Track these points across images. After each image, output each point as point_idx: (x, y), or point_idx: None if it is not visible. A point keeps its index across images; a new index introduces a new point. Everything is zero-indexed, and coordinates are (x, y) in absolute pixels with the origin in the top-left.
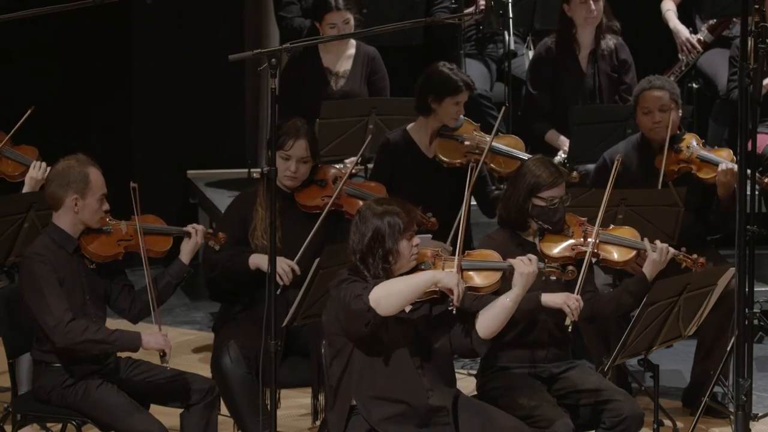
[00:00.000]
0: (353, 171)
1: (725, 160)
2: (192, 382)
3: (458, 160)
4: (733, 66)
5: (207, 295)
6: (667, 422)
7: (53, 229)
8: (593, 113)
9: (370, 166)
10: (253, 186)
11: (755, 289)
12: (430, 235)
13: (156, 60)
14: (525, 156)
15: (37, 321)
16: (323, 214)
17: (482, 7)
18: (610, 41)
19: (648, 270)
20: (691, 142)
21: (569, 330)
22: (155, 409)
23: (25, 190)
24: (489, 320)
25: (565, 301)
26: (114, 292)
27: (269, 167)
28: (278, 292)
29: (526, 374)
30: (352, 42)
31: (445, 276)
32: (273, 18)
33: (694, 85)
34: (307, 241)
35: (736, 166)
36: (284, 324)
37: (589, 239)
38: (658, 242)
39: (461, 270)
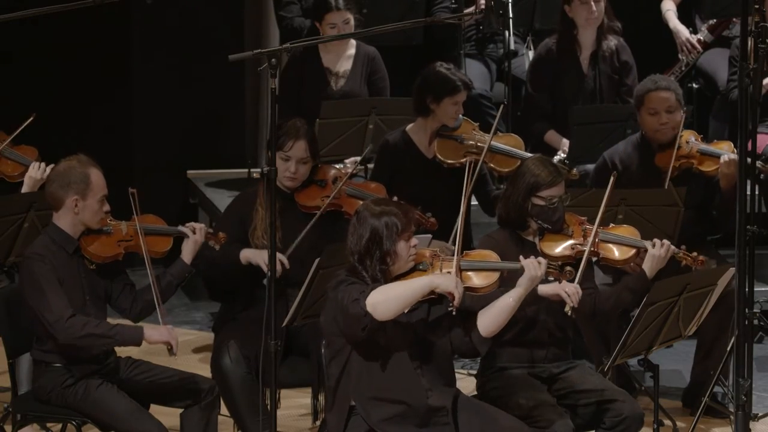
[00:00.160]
0: (354, 171)
1: (726, 151)
2: (192, 382)
3: (458, 160)
4: (733, 66)
5: (207, 295)
6: (667, 422)
7: (53, 229)
8: (593, 113)
9: (371, 166)
10: (253, 186)
11: (755, 289)
12: (430, 235)
13: (156, 60)
14: (525, 155)
15: (37, 320)
16: (319, 213)
17: (482, 7)
18: (611, 42)
19: (648, 266)
20: (690, 137)
21: (570, 315)
22: (155, 409)
23: (24, 190)
24: (490, 319)
25: (562, 287)
26: (115, 292)
27: (269, 167)
28: (264, 282)
29: (526, 374)
30: (352, 42)
31: (443, 280)
32: (273, 18)
33: (694, 85)
34: (300, 236)
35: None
36: (284, 324)
37: (589, 238)
38: (657, 239)
39: (460, 270)
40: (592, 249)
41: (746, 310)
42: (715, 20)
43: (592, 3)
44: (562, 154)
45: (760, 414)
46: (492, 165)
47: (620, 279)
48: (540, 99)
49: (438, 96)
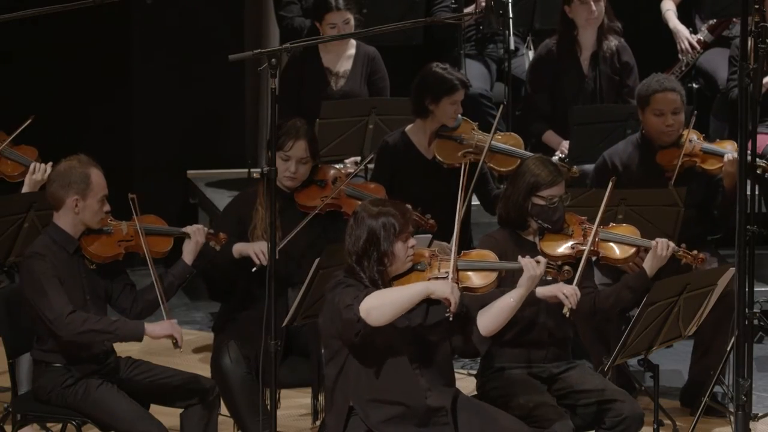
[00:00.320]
0: (355, 172)
1: (730, 150)
2: (192, 382)
3: (458, 161)
4: (733, 66)
5: (207, 295)
6: (667, 422)
7: (54, 229)
8: (593, 113)
9: (371, 166)
10: (253, 186)
11: (755, 289)
12: (430, 235)
13: (156, 60)
14: (525, 154)
15: (37, 319)
16: (313, 213)
17: (482, 7)
18: (612, 43)
19: (648, 265)
20: (692, 136)
21: (568, 317)
22: (155, 409)
23: (25, 190)
24: (490, 319)
25: (560, 289)
26: (115, 292)
27: (269, 167)
28: (253, 270)
29: (526, 374)
30: (352, 42)
31: (438, 286)
32: (273, 18)
33: (694, 85)
34: (293, 231)
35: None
36: (284, 324)
37: (589, 237)
38: (658, 238)
39: (457, 271)
40: (592, 248)
41: (746, 310)
42: (715, 20)
43: (592, 3)
44: (560, 155)
45: (760, 414)
46: (492, 164)
47: (619, 280)
48: (539, 99)
49: (436, 96)
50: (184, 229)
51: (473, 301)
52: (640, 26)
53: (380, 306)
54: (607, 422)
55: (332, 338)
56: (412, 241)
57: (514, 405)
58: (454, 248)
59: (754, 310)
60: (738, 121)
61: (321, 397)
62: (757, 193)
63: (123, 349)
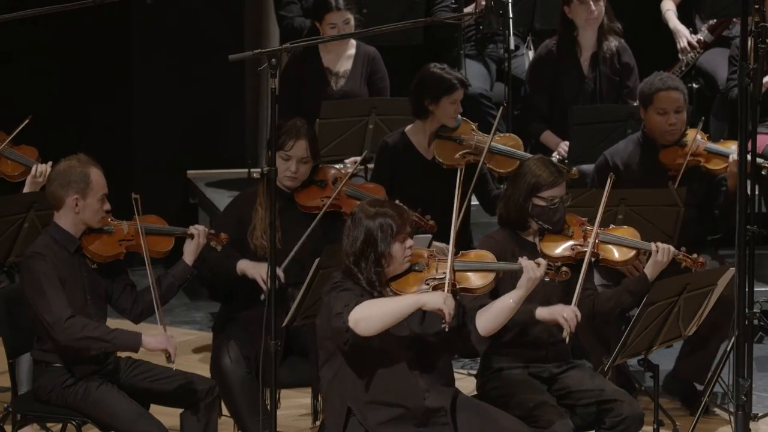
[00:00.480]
0: (354, 172)
1: (735, 150)
2: (192, 383)
3: (457, 161)
4: (733, 65)
5: (207, 295)
6: (667, 422)
7: (54, 228)
8: (593, 113)
9: (371, 166)
10: (253, 186)
11: (755, 289)
12: (430, 236)
13: (156, 60)
14: (524, 155)
15: (37, 320)
16: (319, 216)
17: (482, 7)
18: (612, 43)
19: (649, 270)
20: (695, 136)
21: (567, 342)
22: (155, 409)
23: (26, 190)
24: (489, 319)
25: (560, 313)
26: (116, 292)
27: (269, 167)
28: (262, 298)
29: (526, 374)
30: (353, 42)
31: (430, 298)
32: (273, 18)
33: (694, 85)
34: (298, 244)
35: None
36: (284, 324)
37: (589, 239)
38: (659, 243)
39: (454, 272)
40: (593, 250)
41: (746, 310)
42: (715, 20)
43: (591, 3)
44: (557, 156)
45: (760, 414)
46: (491, 165)
47: (618, 281)
48: (538, 100)
49: (435, 96)
50: (185, 229)
51: (471, 300)
52: (640, 26)
53: (369, 317)
54: (607, 422)
55: (328, 340)
56: (409, 242)
57: (514, 405)
58: (451, 250)
59: (754, 310)
60: (738, 121)
61: (321, 397)
62: (757, 193)
63: None
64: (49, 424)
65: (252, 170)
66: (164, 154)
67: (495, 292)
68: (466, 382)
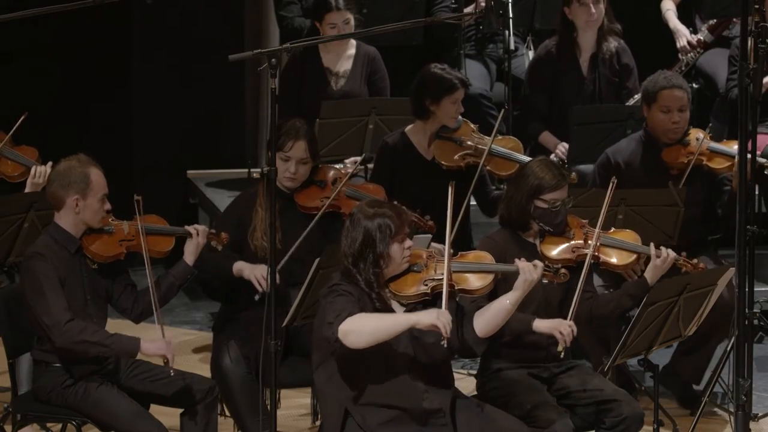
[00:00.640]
0: (354, 172)
1: None
2: (192, 383)
3: (457, 163)
4: (733, 65)
5: (207, 295)
6: (667, 422)
7: (55, 228)
8: (593, 113)
9: (371, 166)
10: (253, 186)
11: (755, 289)
12: (430, 236)
13: (156, 60)
14: (523, 159)
15: (36, 321)
16: (317, 216)
17: (482, 7)
18: (611, 44)
19: (650, 275)
20: (698, 134)
21: (561, 357)
22: (155, 409)
23: (27, 191)
24: (487, 320)
25: (557, 327)
26: (116, 292)
27: (269, 167)
28: (256, 298)
29: (525, 374)
30: (353, 42)
31: (422, 316)
32: (273, 18)
33: (694, 85)
34: (295, 244)
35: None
36: (284, 324)
37: (590, 242)
38: (662, 248)
39: (451, 273)
40: (594, 253)
41: (746, 310)
42: (715, 20)
43: (591, 5)
44: (556, 158)
45: (760, 414)
46: (490, 168)
47: (617, 283)
48: (537, 100)
49: (436, 97)
50: (185, 229)
51: (470, 302)
52: (640, 26)
53: (358, 331)
54: (607, 422)
55: (322, 341)
56: (408, 243)
57: (514, 405)
58: (447, 252)
59: (754, 310)
60: (738, 121)
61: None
62: (757, 192)
63: None
64: (49, 424)
65: (252, 170)
66: (164, 154)
67: (493, 293)
68: (466, 382)
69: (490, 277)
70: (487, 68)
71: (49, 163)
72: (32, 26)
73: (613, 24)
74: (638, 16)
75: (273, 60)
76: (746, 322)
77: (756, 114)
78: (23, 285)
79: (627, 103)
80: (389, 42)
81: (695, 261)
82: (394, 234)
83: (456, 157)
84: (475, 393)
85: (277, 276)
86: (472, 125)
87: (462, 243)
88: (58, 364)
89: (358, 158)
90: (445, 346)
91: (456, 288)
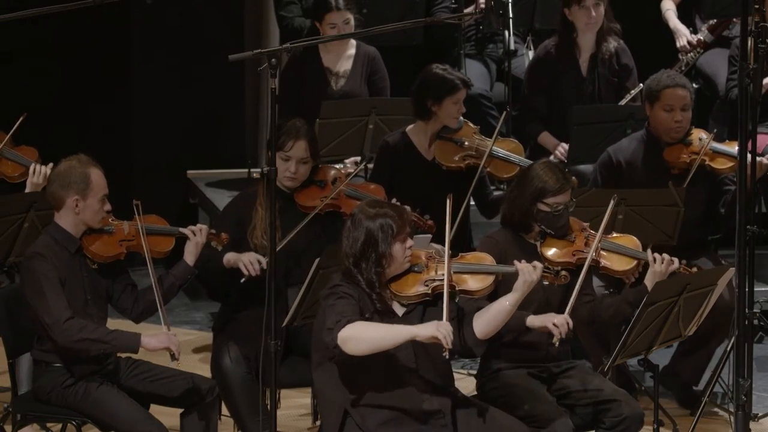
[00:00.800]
0: (354, 172)
1: None
2: (192, 383)
3: (457, 164)
4: (732, 66)
5: (207, 295)
6: (667, 422)
7: (55, 228)
8: (593, 113)
9: (371, 166)
10: (253, 186)
11: (755, 289)
12: (430, 235)
13: (156, 60)
14: (524, 161)
15: (37, 319)
16: (313, 213)
17: (482, 7)
18: (611, 45)
19: (650, 282)
20: (700, 134)
21: (556, 345)
22: (155, 409)
23: (27, 191)
24: (486, 321)
25: (550, 320)
26: (116, 292)
27: (269, 167)
28: (242, 281)
29: (525, 374)
30: (353, 42)
31: (422, 330)
32: (273, 18)
33: (694, 85)
34: (292, 233)
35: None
36: (284, 324)
37: (591, 244)
38: (665, 255)
39: (452, 275)
40: (594, 258)
41: (746, 310)
42: (715, 20)
43: (592, 8)
44: (555, 159)
45: (760, 414)
46: (490, 170)
47: (616, 286)
48: (536, 101)
49: (438, 97)
50: (185, 229)
51: (467, 303)
52: (640, 26)
53: (358, 339)
54: (607, 422)
55: (322, 342)
56: (409, 242)
57: (514, 405)
58: (447, 254)
59: (754, 310)
60: (738, 121)
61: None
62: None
63: None
64: (49, 424)
65: (252, 170)
66: (164, 154)
67: (493, 294)
68: (466, 382)
69: (490, 279)
70: (487, 68)
71: (50, 165)
72: (32, 26)
73: (613, 24)
74: (638, 16)
75: (273, 60)
76: (746, 322)
77: (756, 114)
78: (23, 285)
79: (620, 102)
80: (389, 42)
81: (694, 269)
82: (396, 234)
83: (456, 158)
84: (475, 393)
85: (263, 260)
86: (473, 126)
87: (462, 243)
88: (58, 364)
89: (358, 158)
90: (447, 357)
91: (457, 289)
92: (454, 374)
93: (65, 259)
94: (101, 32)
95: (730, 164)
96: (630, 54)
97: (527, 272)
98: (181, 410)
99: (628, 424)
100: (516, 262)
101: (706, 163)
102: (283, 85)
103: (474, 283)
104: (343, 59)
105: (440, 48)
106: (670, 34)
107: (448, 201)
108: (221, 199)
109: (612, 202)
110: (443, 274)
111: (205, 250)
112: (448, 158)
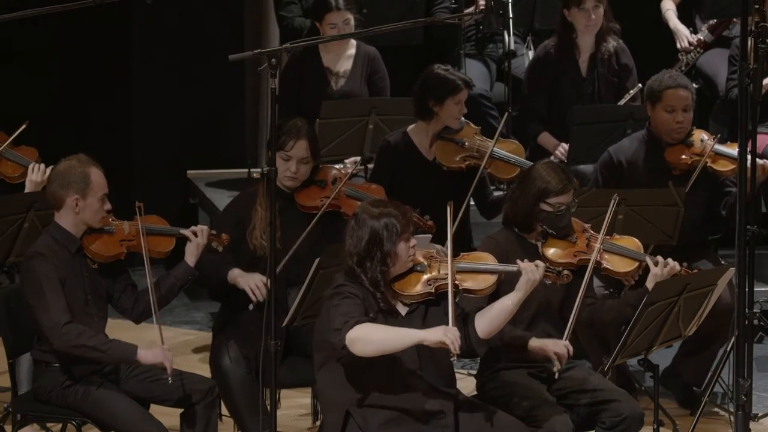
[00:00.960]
0: (354, 172)
1: None
2: (192, 383)
3: (458, 164)
4: (732, 66)
5: (207, 295)
6: (667, 422)
7: (55, 228)
8: (593, 113)
9: (371, 166)
10: (253, 186)
11: (755, 289)
12: (429, 236)
13: (156, 60)
14: (524, 163)
15: (36, 321)
16: (317, 216)
17: (482, 7)
18: (610, 44)
19: (651, 284)
20: (702, 136)
21: (556, 377)
22: (155, 409)
23: (27, 191)
24: (488, 321)
25: (552, 349)
26: (116, 292)
27: (269, 167)
28: (250, 308)
29: (525, 374)
30: (353, 42)
31: (430, 335)
32: (273, 18)
33: (694, 85)
34: (296, 244)
35: (760, 161)
36: (284, 324)
37: (593, 245)
38: (669, 260)
39: (455, 273)
40: (596, 259)
41: (746, 310)
42: (715, 20)
43: (591, 11)
44: (553, 159)
45: (760, 414)
46: (491, 171)
47: (616, 286)
48: (536, 101)
49: (440, 97)
50: (186, 230)
51: (468, 303)
52: (640, 26)
53: (366, 341)
54: (607, 422)
55: (327, 342)
56: (413, 241)
57: (514, 405)
58: (449, 254)
59: (754, 310)
60: (738, 121)
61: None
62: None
63: None
64: (49, 424)
65: (252, 170)
66: (164, 154)
67: (494, 294)
68: (466, 382)
69: (493, 278)
70: (487, 68)
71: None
72: (32, 26)
73: (613, 23)
74: (638, 16)
75: (273, 60)
76: (746, 322)
77: (756, 114)
78: (23, 285)
79: (620, 102)
80: (389, 42)
81: (695, 272)
82: (401, 232)
83: (457, 158)
84: (475, 393)
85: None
86: (474, 127)
87: (462, 243)
88: (58, 364)
89: (358, 158)
90: (455, 361)
91: (460, 288)
92: (455, 374)
93: (65, 258)
94: (101, 32)
95: (732, 167)
96: (629, 54)
97: (530, 271)
98: (181, 410)
99: (627, 423)
100: (518, 261)
101: (708, 164)
102: (283, 85)
103: (477, 283)
104: (343, 59)
105: (440, 48)
106: (670, 34)
107: (448, 208)
108: (221, 199)
109: (613, 202)
110: (446, 274)
111: (209, 256)
112: (449, 159)
